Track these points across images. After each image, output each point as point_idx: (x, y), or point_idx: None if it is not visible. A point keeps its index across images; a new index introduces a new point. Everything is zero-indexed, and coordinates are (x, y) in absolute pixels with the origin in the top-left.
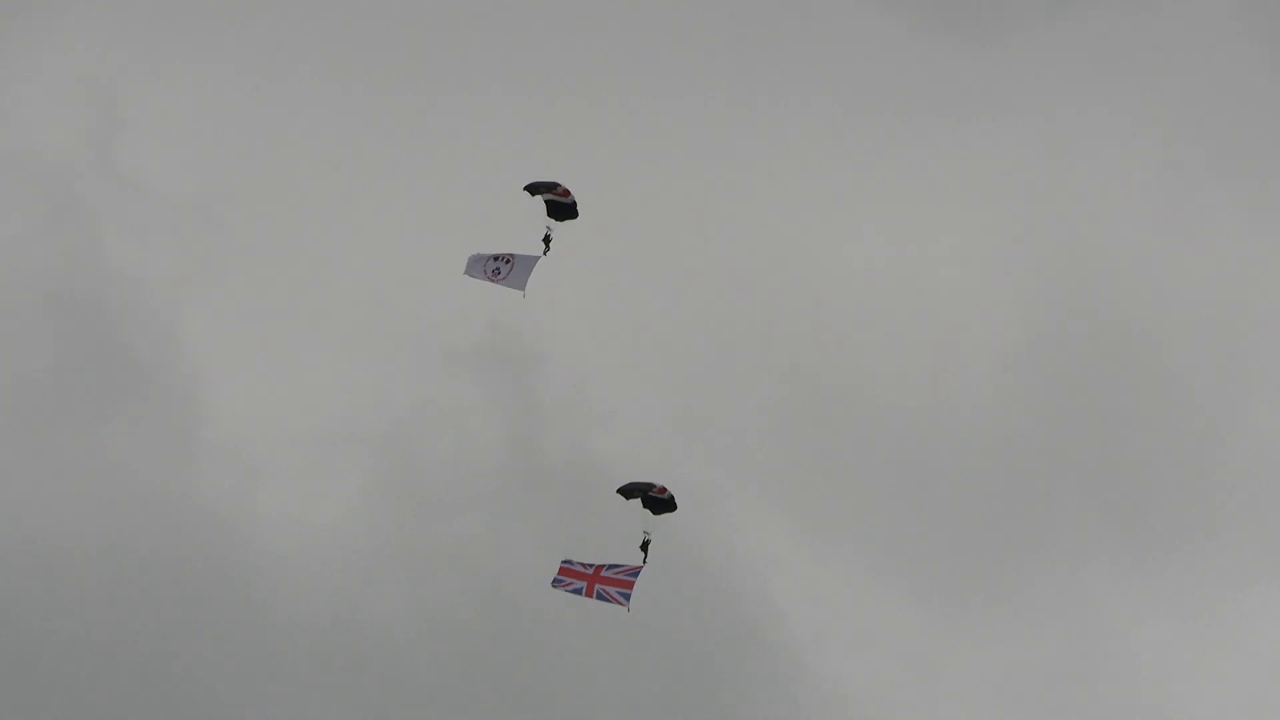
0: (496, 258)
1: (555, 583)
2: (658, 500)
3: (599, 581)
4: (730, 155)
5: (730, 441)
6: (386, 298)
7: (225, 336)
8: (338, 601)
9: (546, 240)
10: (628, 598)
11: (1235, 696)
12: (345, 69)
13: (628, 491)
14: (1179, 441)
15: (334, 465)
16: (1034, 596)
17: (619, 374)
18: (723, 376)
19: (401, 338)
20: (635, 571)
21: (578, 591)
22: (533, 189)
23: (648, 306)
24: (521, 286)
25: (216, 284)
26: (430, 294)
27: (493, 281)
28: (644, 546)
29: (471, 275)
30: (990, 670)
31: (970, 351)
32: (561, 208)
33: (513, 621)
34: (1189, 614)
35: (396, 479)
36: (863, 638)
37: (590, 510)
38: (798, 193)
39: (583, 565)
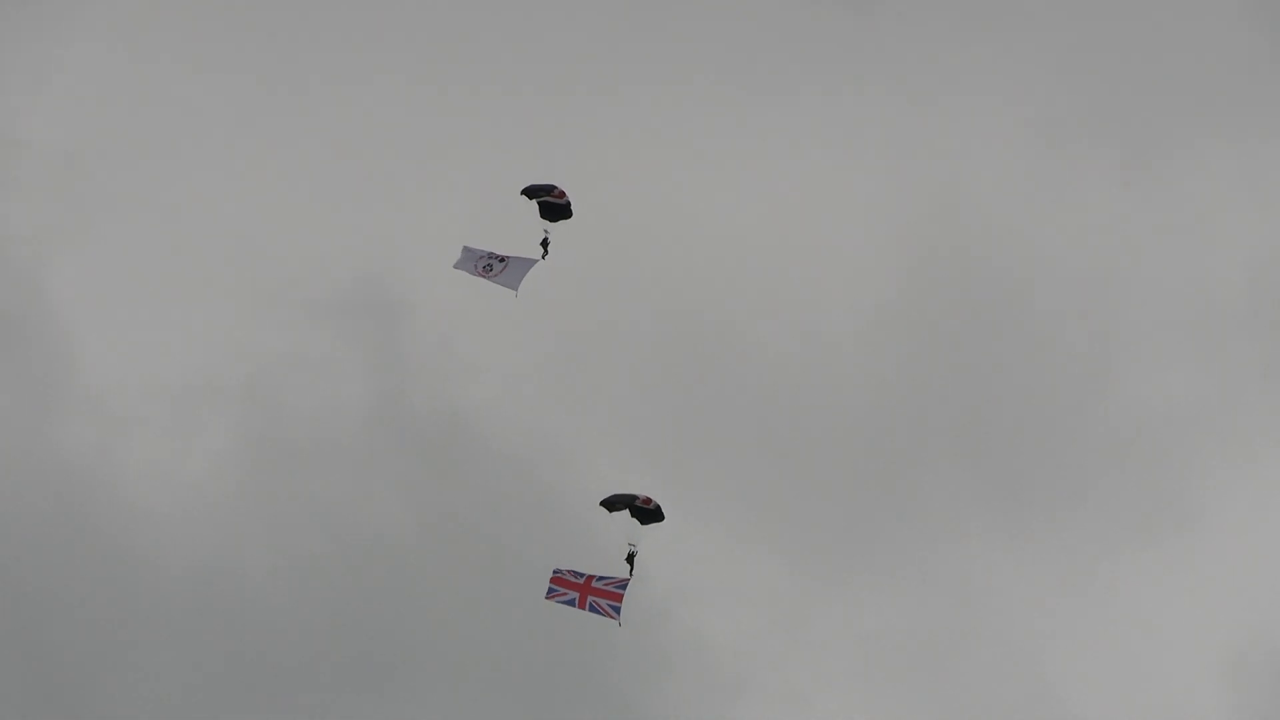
0: (491, 255)
1: (549, 593)
2: (644, 510)
3: (591, 593)
4: (604, 110)
5: (599, 394)
6: (252, 249)
7: (91, 288)
8: (203, 553)
9: (544, 244)
10: (618, 610)
11: (1108, 660)
12: (211, 19)
13: (612, 504)
14: (1050, 402)
15: (199, 417)
16: (906, 556)
17: (487, 325)
18: (593, 328)
19: (267, 289)
20: (623, 584)
21: (570, 603)
22: (529, 193)
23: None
24: (514, 286)
25: (82, 235)
26: (295, 245)
27: (484, 277)
28: (629, 559)
29: (461, 269)
30: (861, 630)
31: (842, 309)
32: (556, 209)
33: (377, 573)
34: (1061, 577)
35: (262, 431)
36: (729, 593)
37: (456, 463)
38: (671, 146)
39: (573, 575)
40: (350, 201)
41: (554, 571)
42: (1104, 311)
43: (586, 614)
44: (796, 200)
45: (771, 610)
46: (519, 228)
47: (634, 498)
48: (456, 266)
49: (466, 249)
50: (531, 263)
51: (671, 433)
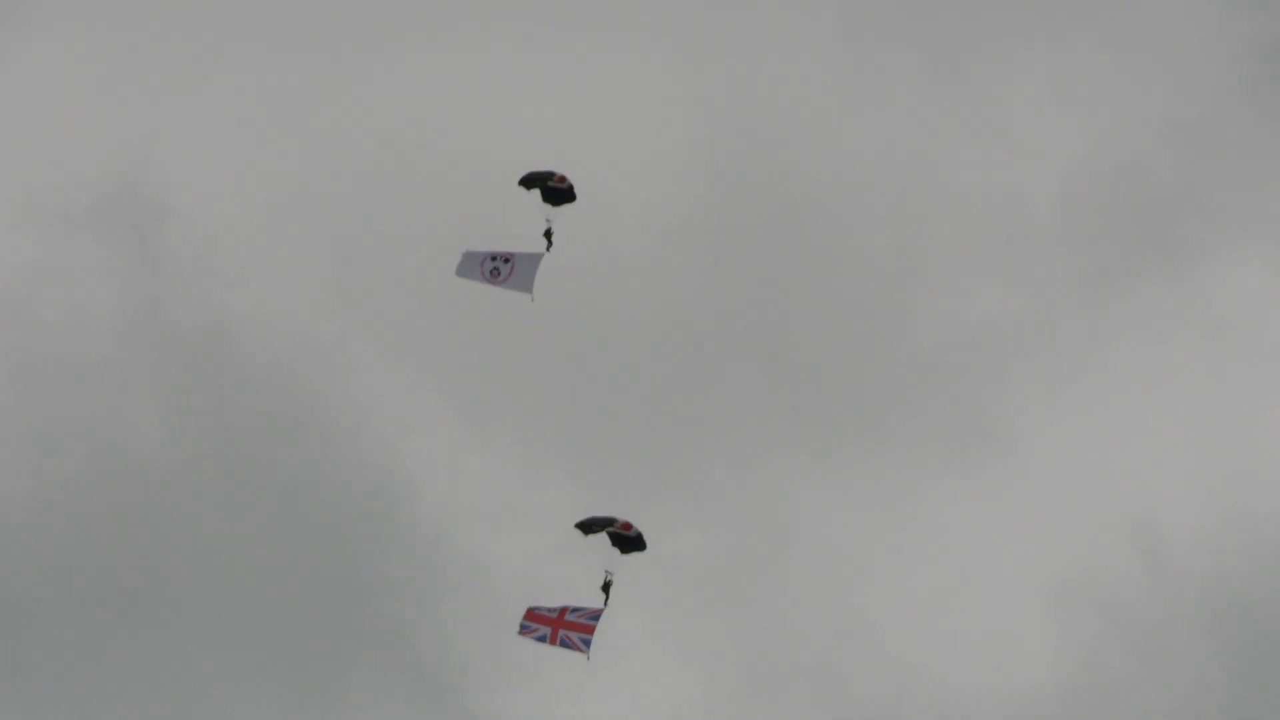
0: (494, 256)
1: (522, 629)
2: (624, 538)
3: (562, 627)
4: (389, 17)
5: (376, 308)
6: None
7: None
8: None
9: (548, 235)
10: (588, 644)
11: (923, 592)
12: None
13: (588, 526)
14: (856, 319)
15: None
16: (706, 480)
17: (250, 229)
18: (365, 232)
19: (13, 197)
20: (596, 615)
21: (542, 639)
22: (528, 181)
23: (289, 158)
24: (528, 288)
25: None
26: (43, 150)
27: (493, 284)
28: (605, 587)
29: (465, 276)
30: (659, 558)
31: (636, 220)
32: (559, 194)
33: (135, 491)
34: (873, 504)
35: (12, 345)
36: (514, 516)
37: (219, 378)
38: (454, 56)
39: (548, 610)
40: (101, 102)
41: (529, 608)
42: (911, 224)
43: (555, 646)
44: (589, 105)
45: (561, 536)
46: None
47: (612, 521)
48: (459, 274)
49: (467, 254)
50: (538, 257)
51: (451, 347)
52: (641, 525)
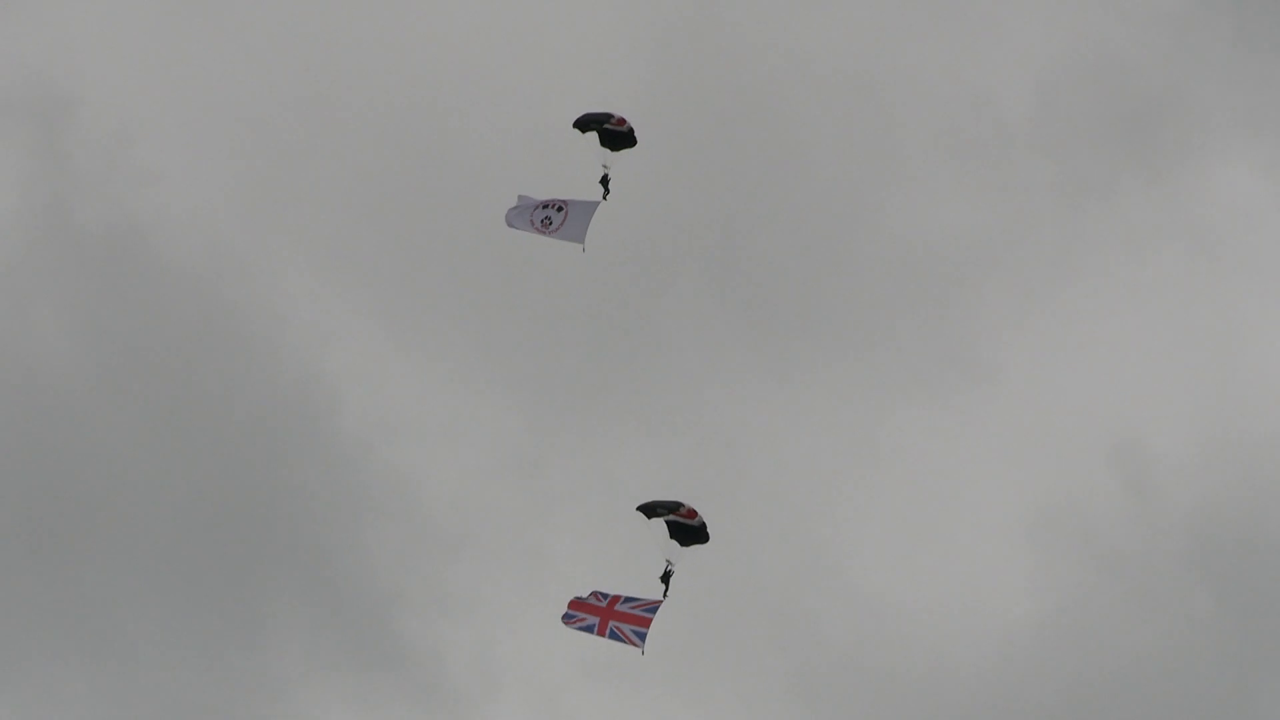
0: (547, 205)
1: (565, 618)
2: (685, 527)
3: (613, 617)
4: None
5: (298, 210)
6: None
7: None
8: None
9: (604, 182)
10: (643, 638)
11: (891, 521)
12: None
13: (650, 510)
14: (816, 231)
15: None
16: (657, 401)
17: (169, 126)
18: (290, 139)
19: None
20: (654, 607)
21: (589, 629)
22: (583, 124)
23: (207, 48)
24: (580, 239)
25: None
26: None
27: (543, 233)
28: (665, 578)
29: (516, 226)
30: (607, 481)
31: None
32: (618, 137)
33: (40, 403)
34: (837, 429)
35: None
36: (448, 435)
37: (130, 283)
38: None
39: (596, 598)
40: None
41: (574, 598)
42: (876, 127)
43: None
44: (535, 10)
45: (498, 456)
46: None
47: (677, 506)
48: (510, 224)
49: (520, 202)
50: (594, 206)
51: (379, 252)
52: (583, 443)
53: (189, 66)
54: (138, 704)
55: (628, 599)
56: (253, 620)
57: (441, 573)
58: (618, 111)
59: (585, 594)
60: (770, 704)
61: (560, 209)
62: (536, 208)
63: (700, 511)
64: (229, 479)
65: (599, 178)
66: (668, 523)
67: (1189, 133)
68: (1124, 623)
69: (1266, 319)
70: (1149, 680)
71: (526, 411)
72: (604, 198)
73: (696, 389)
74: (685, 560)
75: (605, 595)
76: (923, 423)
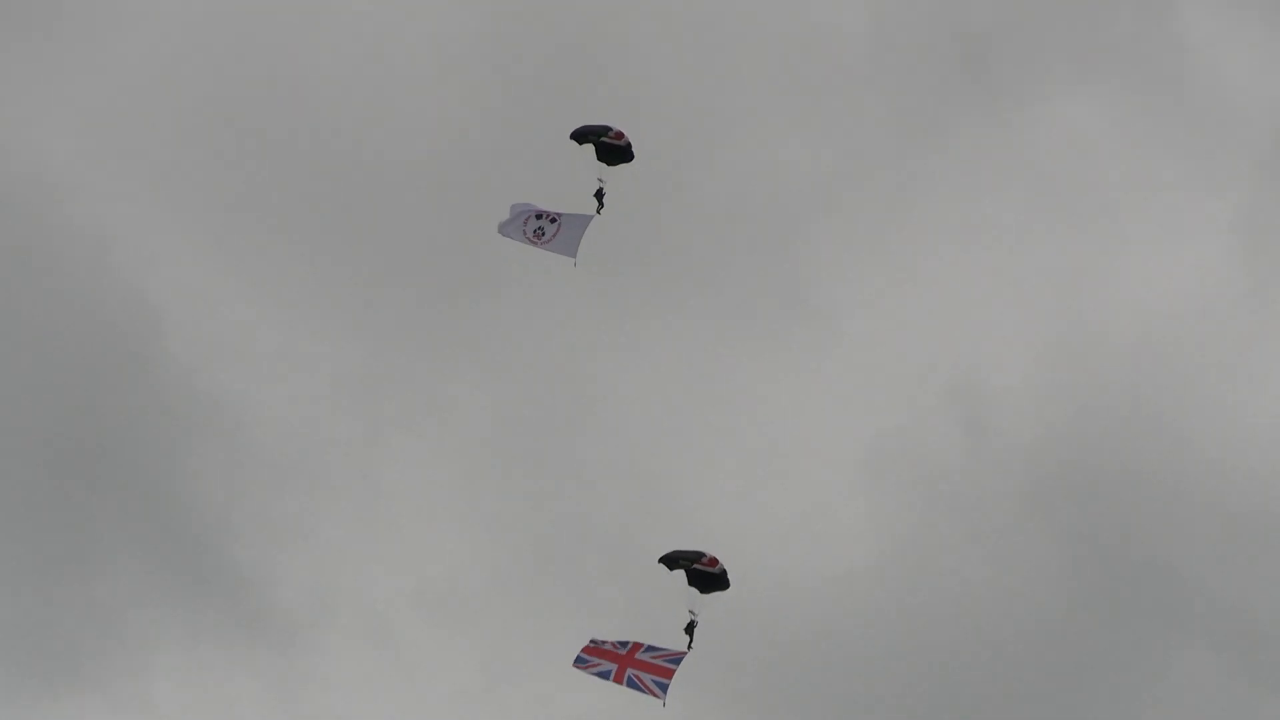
0: (541, 215)
1: (578, 662)
2: (705, 575)
3: (633, 665)
4: None
5: (122, 125)
6: None
7: None
8: None
9: (599, 196)
10: (665, 689)
11: (730, 461)
12: None
13: (671, 561)
14: (648, 172)
15: None
16: (491, 332)
17: None
18: (119, 50)
19: None
20: (677, 658)
21: (605, 675)
22: (580, 136)
23: None
24: (572, 253)
25: None
26: None
27: (535, 245)
28: (689, 629)
29: (509, 236)
30: (442, 411)
31: (414, 58)
32: (615, 151)
33: None
34: (672, 369)
35: None
36: (280, 363)
37: None
38: None
39: (614, 645)
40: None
41: (590, 641)
42: (709, 67)
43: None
44: None
45: (330, 384)
46: None
47: (699, 556)
48: (502, 232)
49: (514, 209)
50: (587, 219)
51: (208, 174)
52: (420, 372)
53: None
54: None
55: (649, 648)
56: (80, 548)
57: (271, 501)
58: (615, 126)
59: (604, 639)
60: (606, 635)
61: (554, 220)
62: (529, 218)
63: (721, 559)
64: (53, 404)
65: (594, 191)
66: (688, 572)
67: (1026, 70)
68: (963, 561)
69: (1102, 257)
70: (984, 615)
71: (359, 340)
72: (598, 211)
73: (533, 323)
74: (707, 609)
75: (623, 643)
76: (761, 361)
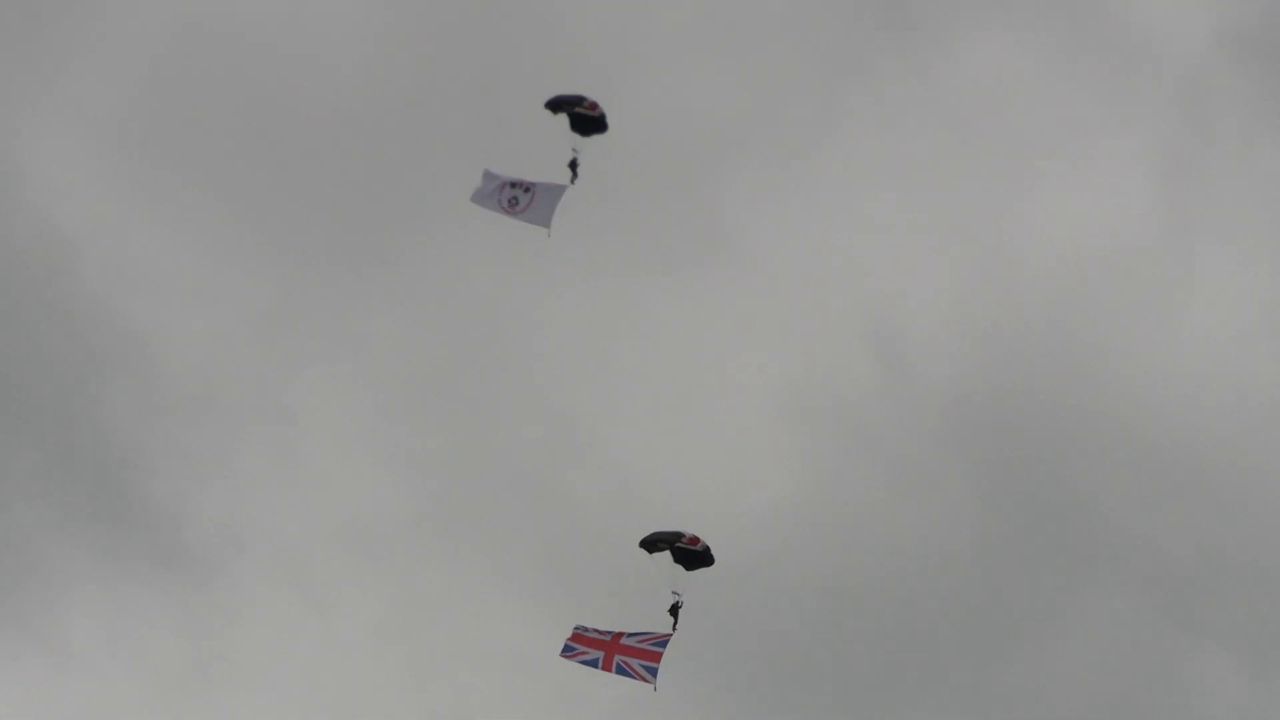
0: (515, 184)
1: (565, 651)
2: (688, 553)
3: (618, 651)
4: None
5: (38, 62)
6: None
7: None
8: None
9: (573, 166)
10: (654, 673)
11: (641, 403)
12: None
13: (652, 543)
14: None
15: None
16: (406, 276)
17: None
18: None
19: None
20: (663, 640)
21: (593, 663)
22: (555, 105)
23: None
24: (546, 223)
25: None
26: None
27: (509, 214)
28: (674, 610)
29: (482, 204)
30: (349, 336)
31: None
32: (588, 122)
33: None
34: (585, 309)
35: None
36: (188, 291)
37: None
38: None
39: (599, 632)
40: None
41: (575, 628)
42: (624, 8)
43: (610, 673)
44: None
45: (243, 315)
46: None
47: (679, 536)
48: (474, 200)
49: (487, 175)
50: (561, 189)
51: (121, 105)
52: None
53: None
54: None
55: (632, 633)
56: None
57: (184, 433)
58: (589, 96)
59: (588, 626)
60: (524, 574)
61: (528, 190)
62: (504, 186)
63: (702, 537)
64: None
65: (568, 161)
66: (673, 550)
67: (944, 9)
68: (881, 502)
69: (1020, 195)
70: (903, 553)
71: (275, 272)
72: (572, 181)
73: (451, 258)
74: (692, 588)
75: (607, 632)
76: (679, 300)
